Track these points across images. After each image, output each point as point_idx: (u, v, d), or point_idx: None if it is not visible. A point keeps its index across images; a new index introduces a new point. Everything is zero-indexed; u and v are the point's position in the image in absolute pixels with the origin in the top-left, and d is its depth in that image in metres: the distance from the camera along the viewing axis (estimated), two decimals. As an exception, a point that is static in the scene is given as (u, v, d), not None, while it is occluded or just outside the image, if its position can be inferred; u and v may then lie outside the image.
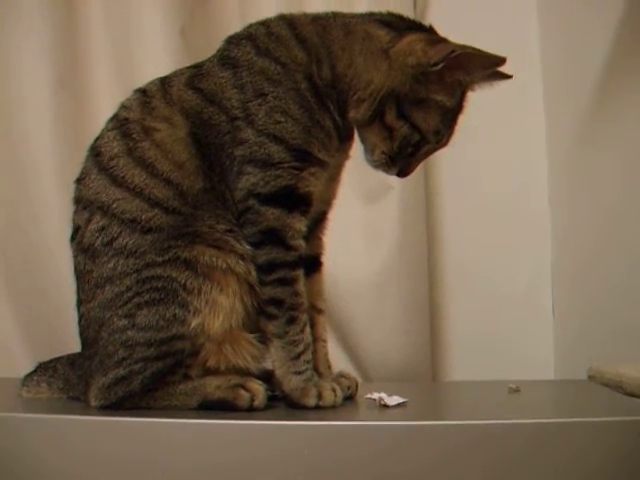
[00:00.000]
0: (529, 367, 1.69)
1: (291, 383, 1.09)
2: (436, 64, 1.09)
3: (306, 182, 1.11)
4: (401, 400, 1.09)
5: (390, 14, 1.17)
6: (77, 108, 1.76)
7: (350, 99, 1.13)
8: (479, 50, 1.09)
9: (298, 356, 1.09)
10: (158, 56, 1.72)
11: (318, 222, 1.21)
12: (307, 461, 0.93)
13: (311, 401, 1.07)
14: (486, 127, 1.74)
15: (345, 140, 1.17)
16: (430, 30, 1.14)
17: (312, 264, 1.20)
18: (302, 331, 1.10)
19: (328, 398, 1.07)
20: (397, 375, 1.70)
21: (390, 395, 1.10)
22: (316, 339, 1.16)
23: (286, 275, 1.10)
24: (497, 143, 1.78)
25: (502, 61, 1.09)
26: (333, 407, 1.08)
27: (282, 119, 1.10)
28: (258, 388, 1.07)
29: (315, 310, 1.19)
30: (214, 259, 1.08)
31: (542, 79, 1.78)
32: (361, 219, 1.75)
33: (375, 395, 1.12)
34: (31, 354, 1.66)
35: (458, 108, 1.15)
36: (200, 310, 1.06)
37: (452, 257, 1.82)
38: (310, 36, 1.14)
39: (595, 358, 1.40)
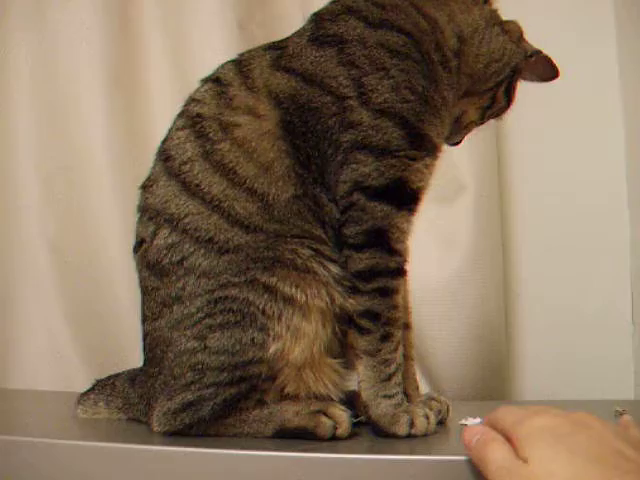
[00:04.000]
0: (607, 386, 1.56)
1: (380, 408, 0.96)
2: (531, 56, 1.09)
3: (420, 175, 0.99)
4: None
5: None
6: (132, 107, 1.68)
7: (482, 71, 1.05)
8: None
9: (389, 378, 0.96)
10: (215, 50, 1.63)
11: None
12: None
13: (402, 429, 0.94)
14: (562, 128, 1.63)
15: None
16: None
17: None
18: (395, 350, 0.97)
19: (421, 426, 0.95)
20: (468, 387, 1.57)
21: (487, 421, 0.97)
22: (405, 358, 1.02)
23: (387, 284, 0.97)
24: (573, 147, 1.65)
25: None
26: (425, 435, 0.95)
27: (411, 97, 0.96)
28: (342, 415, 0.94)
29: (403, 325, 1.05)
30: (294, 289, 0.95)
31: (619, 70, 1.64)
32: (432, 221, 1.62)
33: (470, 421, 0.99)
34: (87, 368, 1.61)
35: None
36: (281, 336, 0.94)
37: (526, 265, 1.69)
38: (422, 2, 1.02)
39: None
